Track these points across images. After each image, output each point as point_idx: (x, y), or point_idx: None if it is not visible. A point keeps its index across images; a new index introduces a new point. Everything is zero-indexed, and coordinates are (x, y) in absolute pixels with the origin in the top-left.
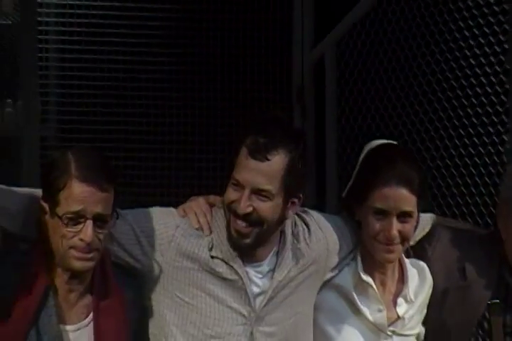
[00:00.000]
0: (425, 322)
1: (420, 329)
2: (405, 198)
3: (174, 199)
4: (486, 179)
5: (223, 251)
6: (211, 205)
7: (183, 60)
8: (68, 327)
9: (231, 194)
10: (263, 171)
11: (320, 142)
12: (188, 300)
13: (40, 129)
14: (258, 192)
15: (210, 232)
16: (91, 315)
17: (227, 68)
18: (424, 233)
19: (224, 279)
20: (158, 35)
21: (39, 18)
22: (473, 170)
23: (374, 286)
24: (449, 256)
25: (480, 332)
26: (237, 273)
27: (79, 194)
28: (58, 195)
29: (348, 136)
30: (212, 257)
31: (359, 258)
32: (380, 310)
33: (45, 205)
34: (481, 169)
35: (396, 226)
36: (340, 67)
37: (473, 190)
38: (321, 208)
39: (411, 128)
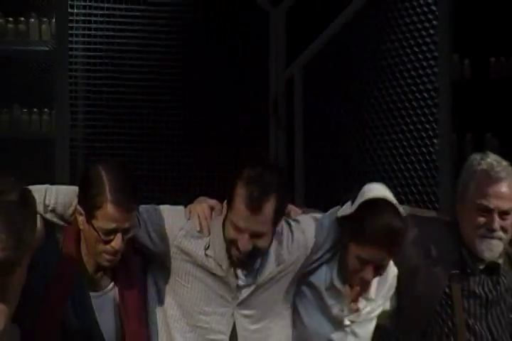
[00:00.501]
0: (399, 297)
1: (385, 308)
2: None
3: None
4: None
5: (216, 252)
6: (212, 209)
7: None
8: (94, 294)
9: (232, 234)
10: (258, 220)
11: (291, 146)
12: (185, 283)
13: (70, 132)
14: (255, 234)
15: (209, 234)
16: (112, 283)
17: (219, 85)
18: None
19: (214, 274)
20: (166, 57)
21: (70, 45)
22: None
23: (344, 292)
24: (418, 240)
25: (444, 297)
26: (225, 271)
27: (112, 215)
28: (95, 210)
29: (314, 142)
30: (206, 255)
31: (336, 264)
32: (342, 310)
33: (82, 210)
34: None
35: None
36: (306, 84)
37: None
38: None
39: (367, 134)
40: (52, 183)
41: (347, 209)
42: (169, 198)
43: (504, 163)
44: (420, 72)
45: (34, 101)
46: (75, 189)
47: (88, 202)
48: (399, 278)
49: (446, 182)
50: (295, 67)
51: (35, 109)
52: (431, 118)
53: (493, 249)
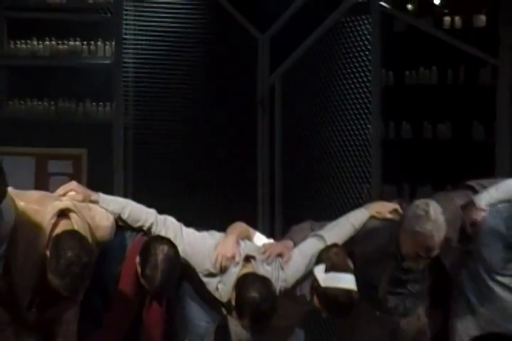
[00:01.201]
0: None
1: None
2: None
3: None
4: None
5: (224, 292)
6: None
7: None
8: None
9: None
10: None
11: (272, 132)
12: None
13: (123, 119)
14: None
15: (221, 272)
16: None
17: (223, 88)
18: None
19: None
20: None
21: (124, 60)
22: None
23: None
24: (366, 239)
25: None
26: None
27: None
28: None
29: (290, 129)
30: (217, 288)
31: None
32: None
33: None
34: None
35: None
36: (284, 88)
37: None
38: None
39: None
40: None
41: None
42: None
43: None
44: (360, 79)
45: (100, 97)
46: (143, 208)
47: (142, 272)
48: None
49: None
50: (276, 75)
51: (100, 103)
52: (366, 111)
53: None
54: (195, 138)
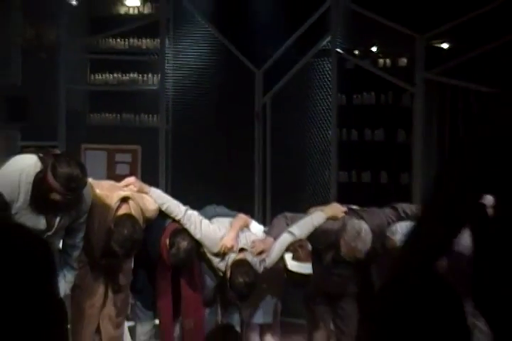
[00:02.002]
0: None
1: None
2: None
3: None
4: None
5: (222, 268)
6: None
7: None
8: None
9: None
10: None
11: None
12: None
13: (165, 125)
14: None
15: (223, 256)
16: None
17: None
18: None
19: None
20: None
21: (165, 87)
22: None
23: None
24: (320, 236)
25: None
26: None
27: None
28: None
29: (278, 136)
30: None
31: None
32: None
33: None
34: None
35: None
36: (273, 106)
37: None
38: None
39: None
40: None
41: None
42: None
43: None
44: (324, 100)
45: (150, 110)
46: (177, 205)
47: (168, 251)
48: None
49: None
50: (267, 97)
51: (150, 114)
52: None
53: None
54: (211, 140)
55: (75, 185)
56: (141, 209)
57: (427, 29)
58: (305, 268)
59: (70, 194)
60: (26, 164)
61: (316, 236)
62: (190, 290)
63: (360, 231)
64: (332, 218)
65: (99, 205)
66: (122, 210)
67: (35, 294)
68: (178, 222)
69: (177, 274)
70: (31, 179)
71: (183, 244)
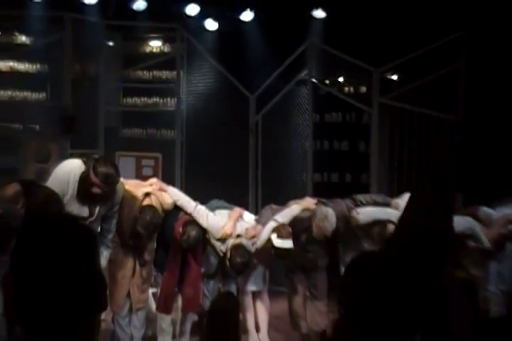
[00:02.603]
0: None
1: None
2: None
3: None
4: None
5: (222, 251)
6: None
7: None
8: None
9: None
10: None
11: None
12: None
13: (180, 138)
14: None
15: (223, 241)
16: None
17: (228, 121)
18: None
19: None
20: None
21: (180, 108)
22: None
23: None
24: (297, 223)
25: None
26: None
27: None
28: None
29: (268, 145)
30: (220, 249)
31: None
32: None
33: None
34: None
35: None
36: (263, 123)
37: None
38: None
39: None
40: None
41: None
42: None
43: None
44: (302, 116)
45: (169, 126)
46: (188, 202)
47: (180, 238)
48: None
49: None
50: (259, 116)
51: (168, 129)
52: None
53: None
54: (216, 149)
55: (111, 181)
56: (160, 203)
57: (380, 64)
58: (287, 243)
59: (107, 187)
60: (73, 166)
61: (294, 222)
62: (195, 267)
63: (327, 214)
64: (306, 209)
65: (128, 198)
66: (145, 202)
67: (84, 267)
68: (189, 214)
69: (185, 254)
70: (77, 178)
71: (193, 232)
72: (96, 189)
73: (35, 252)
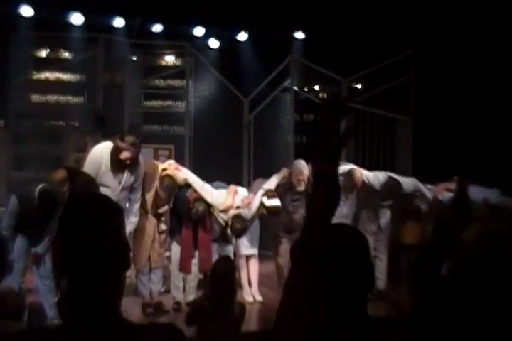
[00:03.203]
0: None
1: None
2: None
3: None
4: None
5: (224, 221)
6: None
7: None
8: None
9: None
10: None
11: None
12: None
13: (189, 134)
14: None
15: (226, 212)
16: None
17: (225, 120)
18: None
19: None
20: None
21: (189, 109)
22: None
23: None
24: (280, 186)
25: None
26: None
27: None
28: None
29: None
30: (222, 218)
31: None
32: None
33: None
34: None
35: None
36: (255, 123)
37: None
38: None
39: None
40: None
41: None
42: None
43: None
44: (284, 117)
45: (180, 124)
46: (197, 181)
47: (191, 211)
48: None
49: None
50: (251, 116)
51: (180, 126)
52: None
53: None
54: (217, 142)
55: (135, 144)
56: (174, 177)
57: (348, 75)
58: (275, 202)
59: (133, 150)
60: (104, 146)
61: (278, 187)
62: (204, 235)
63: (302, 168)
64: (284, 177)
65: (149, 172)
66: (164, 173)
67: (112, 234)
68: (196, 191)
69: (196, 224)
70: (108, 156)
71: (200, 208)
72: (124, 153)
73: (77, 223)
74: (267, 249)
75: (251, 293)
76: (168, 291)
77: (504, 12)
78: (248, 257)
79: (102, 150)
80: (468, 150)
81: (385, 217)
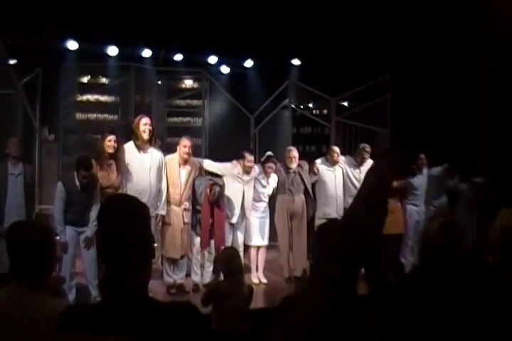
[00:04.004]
0: None
1: None
2: None
3: None
4: None
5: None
6: None
7: None
8: None
9: None
10: None
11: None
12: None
13: (205, 145)
14: None
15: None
16: None
17: (234, 133)
18: None
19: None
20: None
21: (204, 124)
22: None
23: None
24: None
25: None
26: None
27: None
28: None
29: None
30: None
31: None
32: None
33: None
34: None
35: None
36: (260, 134)
37: None
38: None
39: None
40: None
41: None
42: None
43: None
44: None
45: (197, 134)
46: (210, 163)
47: (208, 196)
48: None
49: None
50: (256, 129)
51: (197, 138)
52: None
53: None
54: (228, 151)
55: (150, 124)
56: (194, 163)
57: (336, 95)
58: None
59: (150, 129)
60: (128, 144)
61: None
62: (219, 214)
63: (291, 148)
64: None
65: (171, 164)
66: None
67: (140, 228)
68: (213, 174)
69: (212, 206)
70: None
71: (217, 189)
72: (145, 134)
73: (113, 219)
74: (272, 239)
75: (257, 276)
76: (188, 275)
77: (459, 43)
78: (259, 247)
79: (128, 146)
80: (435, 157)
81: None
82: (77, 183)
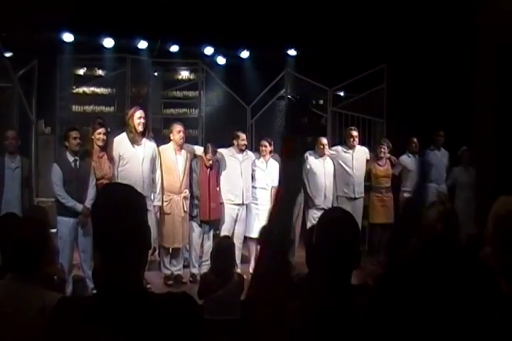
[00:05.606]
0: None
1: None
2: None
3: None
4: None
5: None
6: None
7: None
8: None
9: None
10: None
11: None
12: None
13: (201, 135)
14: None
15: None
16: None
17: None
18: None
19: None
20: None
21: (201, 115)
22: None
23: None
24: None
25: None
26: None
27: None
28: None
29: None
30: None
31: None
32: None
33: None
34: None
35: None
36: (256, 124)
37: None
38: None
39: None
40: None
41: None
42: None
43: None
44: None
45: (194, 126)
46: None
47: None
48: None
49: None
50: (253, 120)
51: (195, 129)
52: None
53: None
54: (224, 142)
55: (145, 116)
56: (190, 151)
57: (333, 85)
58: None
59: (144, 121)
60: (120, 135)
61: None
62: (214, 185)
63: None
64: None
65: (166, 153)
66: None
67: (136, 219)
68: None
69: (209, 176)
70: (124, 137)
71: (210, 150)
72: (139, 126)
73: (108, 208)
74: None
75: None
76: (186, 267)
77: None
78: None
79: (119, 138)
80: (429, 146)
81: None
82: (71, 160)
